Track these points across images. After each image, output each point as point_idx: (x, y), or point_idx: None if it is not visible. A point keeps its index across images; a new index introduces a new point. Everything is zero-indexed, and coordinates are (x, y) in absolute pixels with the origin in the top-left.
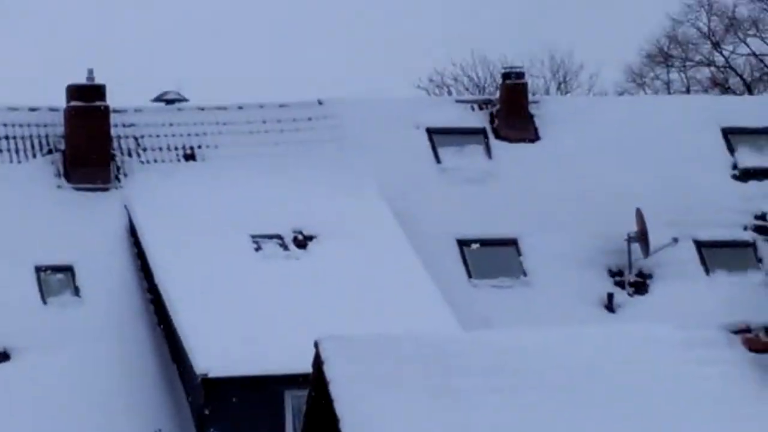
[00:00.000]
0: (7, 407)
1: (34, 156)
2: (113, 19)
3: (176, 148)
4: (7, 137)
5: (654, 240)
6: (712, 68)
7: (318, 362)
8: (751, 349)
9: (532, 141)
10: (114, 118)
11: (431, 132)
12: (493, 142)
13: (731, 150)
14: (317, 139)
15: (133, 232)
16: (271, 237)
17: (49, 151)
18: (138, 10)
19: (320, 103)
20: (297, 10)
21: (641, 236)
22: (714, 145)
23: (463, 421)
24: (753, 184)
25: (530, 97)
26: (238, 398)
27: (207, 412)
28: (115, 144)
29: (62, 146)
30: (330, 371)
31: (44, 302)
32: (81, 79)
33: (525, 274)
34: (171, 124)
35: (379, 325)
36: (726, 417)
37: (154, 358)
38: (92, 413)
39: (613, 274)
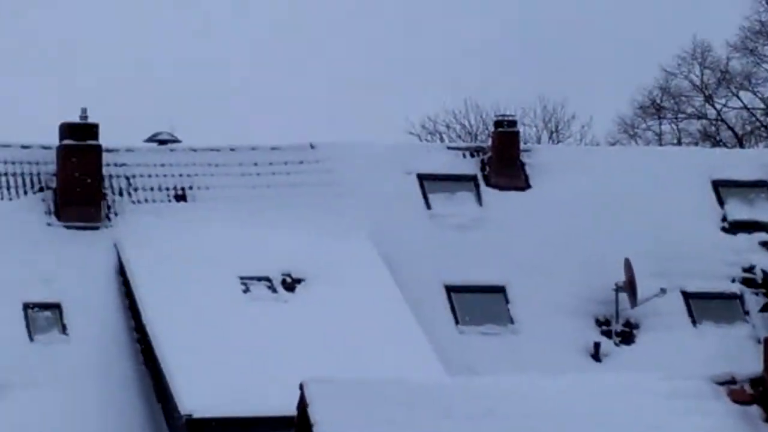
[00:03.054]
0: None
1: (26, 193)
2: (107, 59)
3: (167, 189)
4: None
5: (642, 290)
6: (704, 121)
7: (303, 405)
8: (735, 401)
9: (523, 189)
10: (106, 158)
11: (422, 178)
12: (484, 189)
13: (721, 202)
14: (308, 183)
15: (122, 271)
16: (259, 279)
17: (41, 189)
18: (132, 50)
19: (312, 147)
20: (289, 52)
21: (629, 286)
22: (704, 198)
23: None
24: (742, 237)
25: (522, 146)
26: None
27: None
28: (107, 183)
29: (53, 184)
30: (315, 414)
31: (31, 339)
32: (74, 118)
33: (512, 322)
34: (163, 165)
35: (364, 370)
36: None
37: (139, 397)
38: None
39: (600, 323)
